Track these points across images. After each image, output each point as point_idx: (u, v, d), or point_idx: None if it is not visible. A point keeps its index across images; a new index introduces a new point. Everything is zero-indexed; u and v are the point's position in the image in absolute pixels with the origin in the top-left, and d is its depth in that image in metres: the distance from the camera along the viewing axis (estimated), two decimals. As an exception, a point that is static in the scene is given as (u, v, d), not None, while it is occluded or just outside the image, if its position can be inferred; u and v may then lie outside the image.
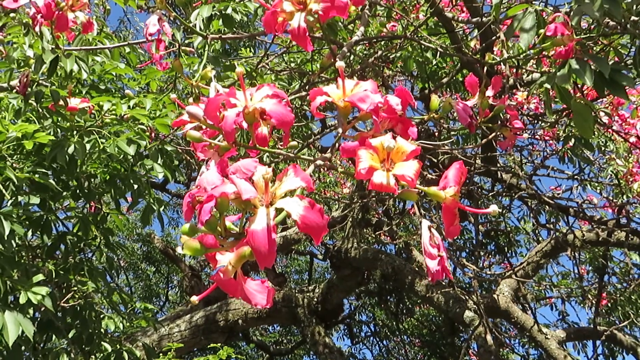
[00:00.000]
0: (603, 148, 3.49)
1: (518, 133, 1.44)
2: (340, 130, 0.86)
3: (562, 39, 1.29)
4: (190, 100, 1.15)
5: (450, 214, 0.76)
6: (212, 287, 0.72)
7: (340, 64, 0.82)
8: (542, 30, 1.34)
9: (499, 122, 1.41)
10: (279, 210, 0.65)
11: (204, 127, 0.89)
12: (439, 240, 0.76)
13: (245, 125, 0.79)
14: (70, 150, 1.70)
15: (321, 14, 0.95)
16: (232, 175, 0.66)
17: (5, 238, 1.56)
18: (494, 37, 2.11)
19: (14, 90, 1.68)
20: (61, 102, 1.70)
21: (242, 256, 0.66)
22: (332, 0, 0.95)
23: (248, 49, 3.87)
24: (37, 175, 1.70)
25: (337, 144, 0.87)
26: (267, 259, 0.62)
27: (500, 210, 4.77)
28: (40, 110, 1.79)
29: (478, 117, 1.31)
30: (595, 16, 1.21)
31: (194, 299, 0.71)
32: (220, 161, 0.74)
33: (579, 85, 1.74)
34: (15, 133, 1.63)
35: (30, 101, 1.65)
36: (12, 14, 1.70)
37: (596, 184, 4.05)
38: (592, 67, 1.27)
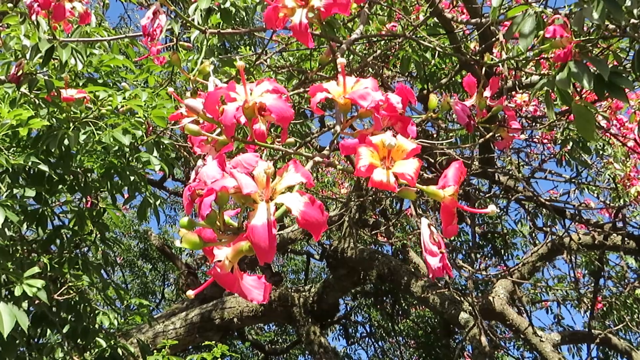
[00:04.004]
0: (601, 152, 3.49)
1: (515, 134, 1.44)
2: (338, 128, 0.85)
3: (561, 41, 1.29)
4: (188, 94, 1.15)
5: (448, 213, 0.76)
6: (208, 282, 0.72)
7: (341, 60, 0.82)
8: (541, 32, 1.34)
9: (497, 123, 1.41)
10: (278, 206, 0.65)
11: (201, 121, 0.88)
12: (440, 237, 0.75)
13: (243, 120, 0.79)
14: (64, 140, 1.68)
15: (323, 10, 0.95)
16: (232, 169, 0.66)
17: (0, 226, 1.54)
18: (493, 39, 2.12)
19: (8, 79, 1.67)
20: (55, 93, 1.69)
21: (239, 251, 0.65)
22: (334, -4, 0.95)
23: (248, 48, 3.86)
24: (30, 162, 1.67)
25: (335, 142, 0.87)
26: (268, 254, 0.62)
27: (498, 213, 4.79)
28: (37, 101, 1.78)
29: (476, 118, 1.31)
30: (596, 22, 1.21)
31: (190, 293, 0.70)
32: (217, 156, 0.73)
33: (578, 88, 1.75)
34: (9, 120, 1.62)
35: (24, 90, 1.64)
36: (9, 4, 1.69)
37: (593, 188, 4.06)
38: (592, 70, 1.27)
